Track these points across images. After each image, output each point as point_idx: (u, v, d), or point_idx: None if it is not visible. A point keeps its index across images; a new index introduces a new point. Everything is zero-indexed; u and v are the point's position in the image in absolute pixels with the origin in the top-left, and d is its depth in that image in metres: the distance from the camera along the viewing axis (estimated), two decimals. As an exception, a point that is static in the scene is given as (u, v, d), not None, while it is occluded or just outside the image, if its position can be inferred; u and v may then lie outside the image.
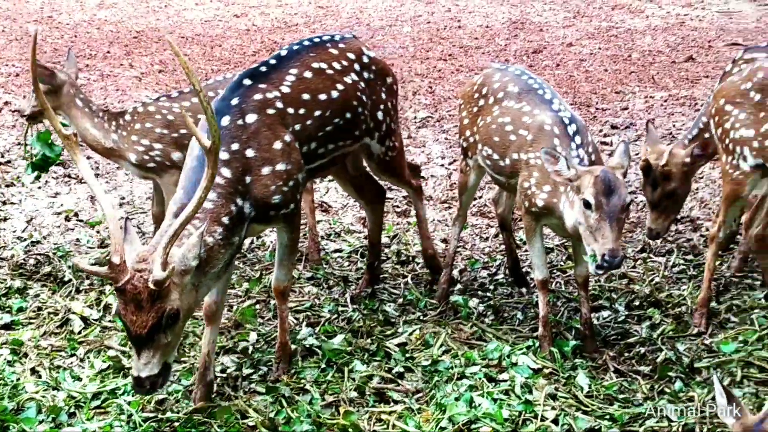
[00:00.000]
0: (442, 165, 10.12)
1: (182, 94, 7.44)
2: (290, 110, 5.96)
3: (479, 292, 7.35)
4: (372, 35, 15.42)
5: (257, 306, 7.02)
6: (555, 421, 5.67)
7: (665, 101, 12.57)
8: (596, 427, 5.63)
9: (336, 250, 8.14)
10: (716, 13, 16.61)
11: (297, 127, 5.97)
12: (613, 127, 11.53)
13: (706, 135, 7.33)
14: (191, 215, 5.13)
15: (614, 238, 5.66)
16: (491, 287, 7.48)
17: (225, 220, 5.50)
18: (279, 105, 5.92)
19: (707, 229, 8.41)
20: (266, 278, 7.46)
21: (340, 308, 7.02)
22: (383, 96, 6.66)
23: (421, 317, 6.95)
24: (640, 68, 13.94)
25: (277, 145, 5.80)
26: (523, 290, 7.37)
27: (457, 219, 7.34)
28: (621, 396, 5.96)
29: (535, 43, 14.97)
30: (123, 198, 9.25)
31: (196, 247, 5.16)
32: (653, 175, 7.39)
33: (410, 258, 7.98)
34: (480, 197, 9.12)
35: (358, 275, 7.60)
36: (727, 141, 6.57)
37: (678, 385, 6.02)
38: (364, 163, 7.04)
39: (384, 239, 8.30)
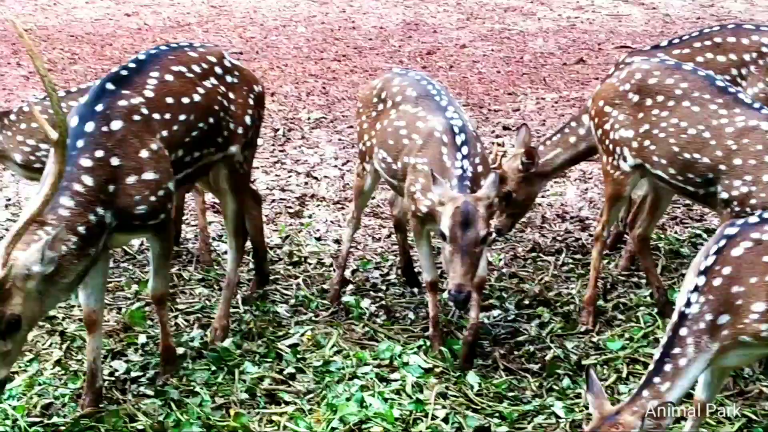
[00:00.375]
0: (335, 166, 10.12)
1: (69, 93, 7.31)
2: (156, 116, 5.76)
3: (371, 293, 7.37)
4: (266, 35, 15.36)
5: (146, 308, 6.93)
6: (445, 420, 5.71)
7: (556, 102, 12.75)
8: (486, 425, 5.68)
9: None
10: (606, 16, 16.89)
11: (164, 133, 5.77)
12: (505, 128, 11.64)
13: (572, 139, 7.71)
14: (35, 214, 4.95)
15: (462, 273, 5.67)
16: (383, 287, 7.50)
17: (81, 229, 5.26)
18: (144, 111, 5.71)
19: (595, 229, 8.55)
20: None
21: (231, 310, 6.95)
22: (251, 102, 6.46)
23: (313, 318, 6.94)
24: (532, 70, 14.12)
25: (144, 153, 5.59)
26: (415, 290, 7.40)
27: (351, 221, 7.34)
28: (510, 394, 6.02)
29: (428, 45, 15.05)
30: (9, 200, 9.04)
31: (39, 252, 4.93)
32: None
33: (302, 259, 7.95)
34: (374, 198, 9.12)
35: (250, 276, 7.55)
36: (607, 142, 6.68)
37: (566, 382, 6.11)
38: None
39: (276, 240, 8.29)
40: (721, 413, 5.71)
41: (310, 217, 8.93)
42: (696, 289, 4.77)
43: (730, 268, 4.73)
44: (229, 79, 6.33)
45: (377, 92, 6.86)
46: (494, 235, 7.53)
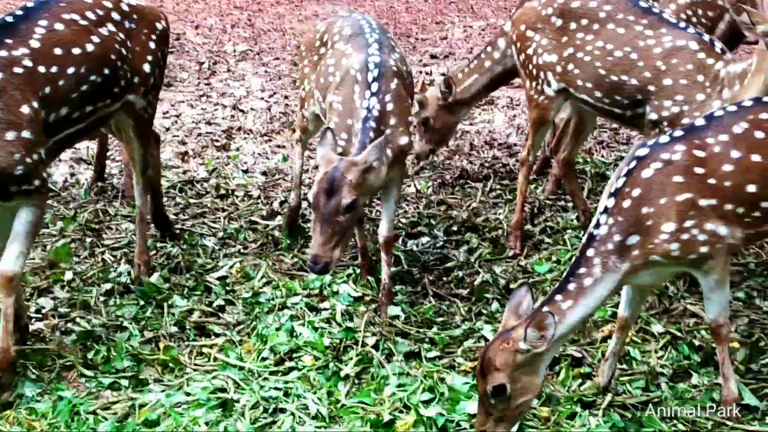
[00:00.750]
0: (262, 98, 10.05)
1: None
2: (41, 69, 5.39)
3: (300, 223, 7.34)
4: (189, -33, 15.12)
5: (72, 244, 6.85)
6: (376, 347, 5.72)
7: (483, 30, 12.75)
8: (416, 351, 5.71)
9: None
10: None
11: (47, 89, 5.38)
12: (433, 56, 11.63)
13: (487, 63, 7.70)
14: None
15: (320, 243, 5.51)
16: (311, 217, 7.47)
17: None
18: (28, 63, 5.34)
19: (523, 155, 8.61)
20: (80, 216, 7.29)
21: (159, 244, 6.91)
22: (151, 45, 6.15)
23: (242, 250, 6.91)
24: (459, -2, 14.08)
25: (25, 109, 5.24)
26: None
27: (296, 141, 7.23)
28: (440, 319, 6.06)
29: (354, -26, 14.93)
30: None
31: None
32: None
33: (230, 192, 7.90)
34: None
35: (177, 210, 7.50)
36: (530, 67, 6.67)
37: (494, 306, 6.16)
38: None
39: (203, 173, 8.24)
40: (647, 331, 5.83)
41: (237, 150, 8.87)
42: (605, 210, 4.82)
43: (639, 189, 4.77)
44: (127, 24, 5.99)
45: (320, 36, 6.74)
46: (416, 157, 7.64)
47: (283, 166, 8.52)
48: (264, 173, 8.35)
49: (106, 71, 5.74)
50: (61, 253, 6.61)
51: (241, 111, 9.68)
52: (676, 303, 6.14)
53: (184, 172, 8.33)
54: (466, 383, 5.24)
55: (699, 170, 4.76)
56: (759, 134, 4.82)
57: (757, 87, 5.69)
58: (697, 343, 5.66)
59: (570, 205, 7.49)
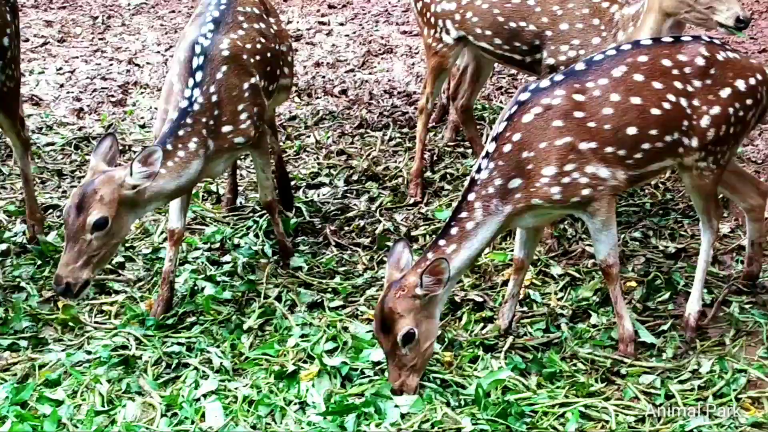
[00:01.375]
0: (158, 52, 9.87)
1: None
2: None
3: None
4: None
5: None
6: (278, 299, 5.72)
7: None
8: (319, 301, 5.72)
9: (48, 144, 7.82)
10: None
11: None
12: (330, 6, 11.53)
13: None
14: None
15: (64, 262, 5.01)
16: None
17: None
18: None
19: (422, 103, 8.62)
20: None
21: (55, 203, 6.80)
22: (7, 18, 5.93)
23: (140, 206, 6.82)
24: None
25: None
26: (244, 173, 7.34)
27: None
28: (342, 269, 6.07)
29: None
30: None
31: None
32: None
33: (127, 147, 7.77)
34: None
35: (73, 167, 7.38)
36: (428, 15, 6.65)
37: (396, 253, 6.17)
38: None
39: (99, 130, 8.12)
40: (547, 273, 5.91)
41: (133, 105, 8.73)
42: (486, 155, 4.89)
43: (520, 134, 4.84)
44: None
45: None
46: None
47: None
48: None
49: None
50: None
51: (137, 65, 9.50)
52: (574, 245, 6.23)
53: (80, 129, 8.17)
54: (369, 331, 5.26)
55: (578, 114, 4.83)
56: (638, 77, 4.90)
57: (649, 27, 5.75)
58: (595, 284, 5.75)
59: (469, 151, 7.51)
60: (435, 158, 7.48)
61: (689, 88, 4.93)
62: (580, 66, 5.00)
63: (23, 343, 5.32)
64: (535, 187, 4.79)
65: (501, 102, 8.66)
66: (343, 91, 9.02)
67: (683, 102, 4.91)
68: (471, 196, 4.85)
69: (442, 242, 4.84)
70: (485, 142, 5.04)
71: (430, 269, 4.67)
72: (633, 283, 5.76)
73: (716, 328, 5.40)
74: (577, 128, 4.80)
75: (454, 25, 6.51)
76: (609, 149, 4.81)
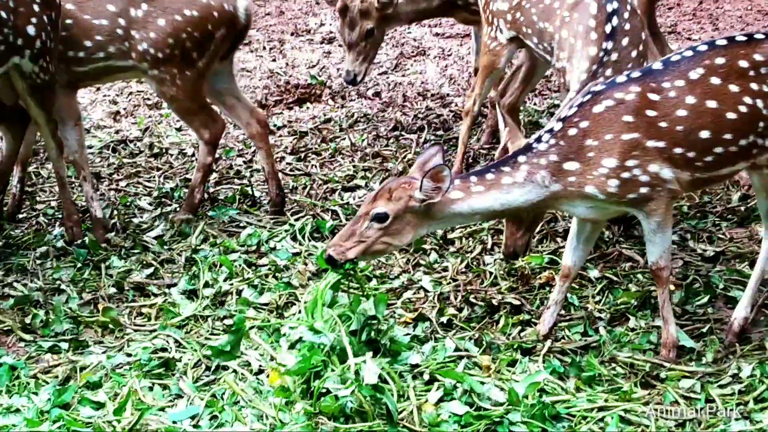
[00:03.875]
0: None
1: None
2: None
3: (235, 181, 7.30)
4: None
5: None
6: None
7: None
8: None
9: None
10: None
11: None
12: None
13: None
14: None
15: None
16: (247, 174, 7.46)
17: None
18: None
19: (456, 105, 8.63)
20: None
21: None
22: (35, 9, 5.92)
23: (178, 209, 6.86)
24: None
25: None
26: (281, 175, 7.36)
27: None
28: (378, 272, 6.07)
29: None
30: None
31: None
32: (350, 15, 7.38)
33: (164, 150, 7.84)
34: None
35: (111, 170, 7.43)
36: (487, 12, 6.68)
37: (433, 256, 6.19)
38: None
39: (136, 132, 8.16)
40: (584, 276, 5.89)
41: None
42: (551, 130, 4.90)
43: (588, 122, 4.84)
44: None
45: None
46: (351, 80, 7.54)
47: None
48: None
49: None
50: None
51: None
52: (611, 248, 6.21)
53: (117, 132, 8.25)
54: (407, 334, 5.27)
55: (650, 113, 4.80)
56: (715, 80, 4.87)
57: None
58: (633, 288, 5.74)
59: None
60: (471, 160, 7.48)
61: (765, 89, 4.89)
62: (657, 65, 4.98)
63: (64, 346, 5.35)
64: (593, 175, 4.78)
65: (535, 104, 8.65)
66: (377, 94, 9.05)
67: (759, 103, 4.87)
68: (521, 158, 4.87)
69: (473, 179, 4.89)
70: (552, 120, 5.03)
71: (432, 174, 4.74)
72: (671, 287, 5.71)
73: (757, 332, 5.36)
74: (647, 126, 4.78)
75: (506, 25, 6.53)
76: (678, 150, 4.79)
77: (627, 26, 5.94)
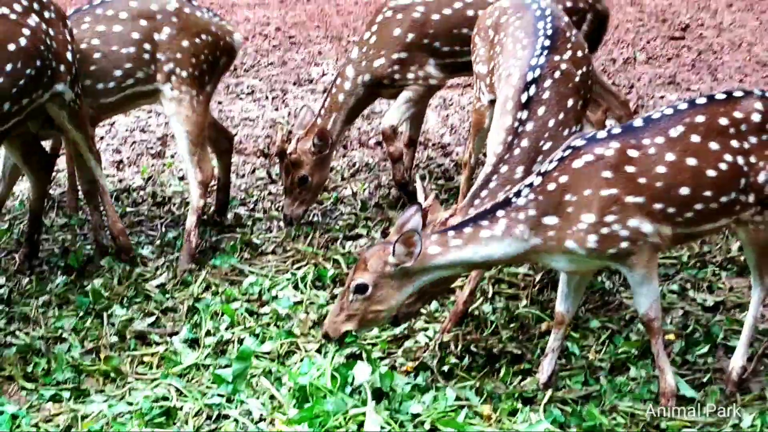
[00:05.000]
0: (196, 104, 10.00)
1: None
2: None
3: (237, 229, 7.34)
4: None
5: (8, 257, 6.81)
6: (319, 351, 5.73)
7: (414, 31, 12.76)
8: (357, 352, 5.73)
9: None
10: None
11: None
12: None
13: (340, 97, 7.43)
14: None
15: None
16: (249, 223, 7.48)
17: None
18: None
19: (458, 154, 8.68)
20: (16, 228, 7.25)
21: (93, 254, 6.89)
22: (68, 37, 6.18)
23: (180, 257, 6.88)
24: (390, 0, 14.08)
25: None
26: (281, 224, 7.40)
27: None
28: (380, 320, 6.08)
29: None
30: None
31: None
32: (286, 162, 7.24)
33: (166, 199, 7.88)
34: (235, 134, 9.07)
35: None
36: (473, 72, 6.72)
37: (434, 305, 6.16)
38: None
39: (138, 182, 8.20)
40: (585, 327, 5.91)
41: (172, 157, 8.84)
42: (530, 185, 4.95)
43: (567, 176, 4.88)
44: (47, 14, 6.03)
45: None
46: (288, 222, 7.31)
47: (216, 172, 8.50)
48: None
49: (38, 63, 5.83)
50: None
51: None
52: (612, 297, 6.23)
53: (120, 181, 8.30)
54: (408, 383, 5.27)
55: (630, 169, 4.85)
56: (695, 137, 4.92)
57: None
58: (633, 337, 5.76)
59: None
60: (472, 210, 7.50)
61: (746, 145, 4.94)
62: (638, 122, 5.04)
63: (66, 394, 5.35)
64: (572, 229, 4.83)
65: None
66: (379, 143, 9.11)
67: (740, 160, 4.92)
68: (499, 213, 4.91)
69: (451, 232, 4.94)
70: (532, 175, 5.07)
71: (402, 239, 4.82)
72: (672, 336, 5.74)
73: (757, 382, 5.37)
74: (626, 182, 4.82)
75: (486, 88, 6.55)
76: (658, 206, 4.84)
77: (546, 95, 5.81)
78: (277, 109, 10.18)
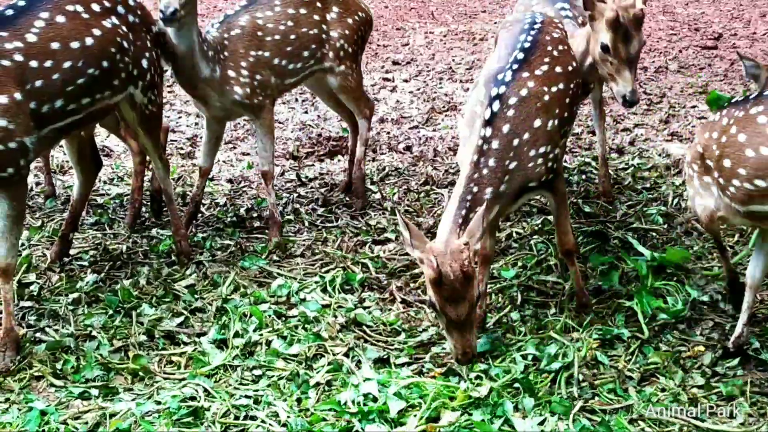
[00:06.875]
0: (226, 105, 10.02)
1: None
2: (33, 63, 5.49)
3: (265, 231, 7.34)
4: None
5: (39, 254, 6.84)
6: (346, 355, 5.74)
7: (444, 36, 12.80)
8: (385, 357, 5.73)
9: (119, 195, 7.98)
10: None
11: (38, 83, 5.49)
12: (395, 63, 11.67)
13: None
14: None
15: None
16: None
17: None
18: (18, 58, 5.44)
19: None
20: (48, 226, 7.29)
21: (126, 254, 6.91)
22: (148, 44, 6.27)
23: (209, 258, 6.90)
24: (420, 4, 14.13)
25: (2, 99, 5.33)
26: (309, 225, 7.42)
27: None
28: (406, 325, 6.08)
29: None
30: None
31: None
32: (624, 26, 6.24)
33: (195, 199, 7.89)
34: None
35: (143, 218, 7.49)
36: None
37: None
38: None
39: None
40: (617, 335, 5.87)
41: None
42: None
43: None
44: (131, 18, 6.12)
45: None
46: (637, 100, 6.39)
47: (248, 173, 8.54)
48: (230, 181, 8.37)
49: (105, 64, 5.90)
50: (23, 263, 6.58)
51: (205, 118, 9.65)
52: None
53: (149, 181, 8.30)
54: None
55: None
56: None
57: None
58: (663, 347, 5.73)
59: (534, 210, 7.55)
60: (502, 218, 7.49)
61: None
62: None
63: (94, 392, 5.37)
64: None
65: (565, 161, 8.68)
66: (408, 148, 9.11)
67: None
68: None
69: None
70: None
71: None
72: (701, 348, 5.71)
73: (787, 394, 5.34)
74: None
75: None
76: None
77: (511, 112, 5.63)
78: (306, 112, 10.19)
